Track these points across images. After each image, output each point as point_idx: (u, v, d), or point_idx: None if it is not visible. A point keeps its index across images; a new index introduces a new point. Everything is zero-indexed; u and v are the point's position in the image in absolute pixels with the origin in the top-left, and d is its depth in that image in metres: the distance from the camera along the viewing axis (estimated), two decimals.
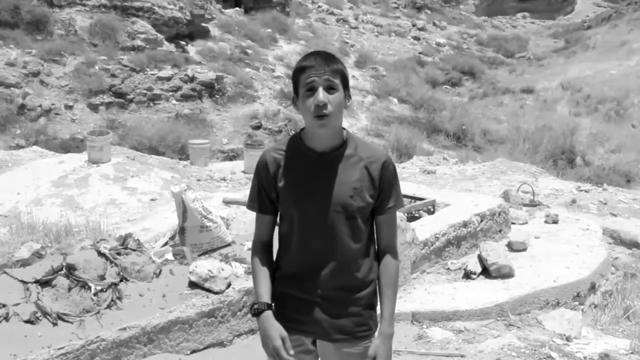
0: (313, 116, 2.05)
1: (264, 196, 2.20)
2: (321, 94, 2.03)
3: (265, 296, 2.19)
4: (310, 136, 2.14)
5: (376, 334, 2.24)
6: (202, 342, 3.85)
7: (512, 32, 45.07)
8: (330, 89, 2.05)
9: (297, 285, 2.18)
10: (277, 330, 2.14)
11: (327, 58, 2.08)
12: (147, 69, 17.57)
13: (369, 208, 2.17)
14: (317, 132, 2.11)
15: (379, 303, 2.26)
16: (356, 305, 2.19)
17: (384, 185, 2.17)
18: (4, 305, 3.46)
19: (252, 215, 4.31)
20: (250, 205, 2.26)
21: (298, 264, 2.18)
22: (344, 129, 2.18)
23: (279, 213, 2.24)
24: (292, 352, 2.14)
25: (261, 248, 2.26)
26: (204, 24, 22.83)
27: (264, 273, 2.23)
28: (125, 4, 19.79)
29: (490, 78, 31.08)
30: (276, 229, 2.30)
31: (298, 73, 2.09)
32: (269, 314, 2.16)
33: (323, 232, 2.13)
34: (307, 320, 2.18)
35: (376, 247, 2.26)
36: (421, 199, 6.29)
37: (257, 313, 2.18)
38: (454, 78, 29.88)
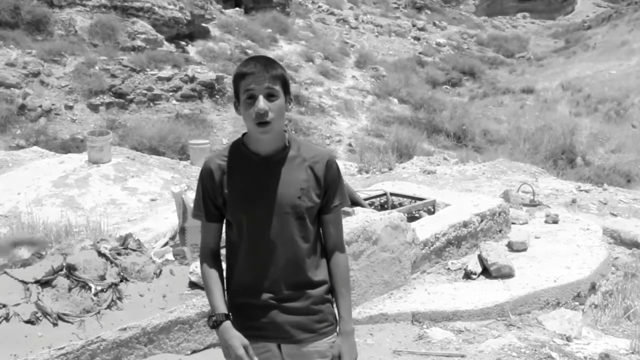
0: (254, 124, 2.06)
1: (210, 204, 2.19)
2: (261, 102, 2.03)
3: (222, 307, 2.18)
4: (253, 141, 2.15)
5: (336, 333, 2.25)
6: (202, 343, 3.85)
7: (512, 32, 45.10)
8: (270, 96, 2.05)
9: (251, 292, 2.17)
10: (238, 339, 2.13)
11: (266, 64, 2.07)
12: (147, 69, 17.59)
13: (317, 208, 2.18)
14: (259, 137, 2.12)
15: (335, 301, 2.26)
16: (313, 303, 2.19)
17: (329, 184, 2.19)
18: (4, 306, 3.46)
19: None
20: (196, 214, 2.24)
21: (250, 271, 2.17)
22: (285, 131, 2.19)
23: (224, 221, 2.23)
24: (256, 359, 2.14)
25: (210, 257, 2.25)
26: (204, 24, 22.85)
27: (216, 283, 2.22)
28: (125, 4, 19.81)
29: (490, 78, 31.11)
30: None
31: (238, 79, 2.09)
32: (228, 325, 2.16)
33: (273, 234, 2.13)
34: (268, 325, 2.18)
35: (324, 245, 2.27)
36: (421, 199, 6.28)
37: (215, 325, 2.17)
38: (454, 78, 29.91)
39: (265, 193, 2.13)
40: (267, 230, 2.13)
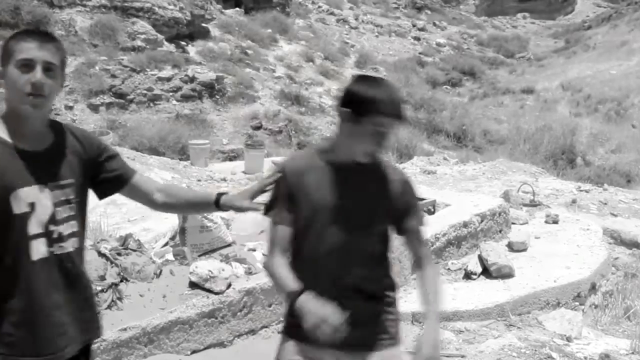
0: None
1: (282, 207, 2.14)
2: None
3: (295, 284, 2.05)
4: (338, 148, 2.13)
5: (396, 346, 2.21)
6: (202, 343, 3.85)
7: (512, 32, 45.11)
8: None
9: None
10: (320, 302, 1.97)
11: None
12: (148, 70, 17.58)
13: (390, 225, 2.17)
14: (348, 148, 2.09)
15: (421, 306, 2.23)
16: (377, 315, 2.17)
17: (405, 201, 2.17)
18: None
19: (252, 215, 4.30)
20: (267, 214, 2.19)
21: (316, 280, 2.10)
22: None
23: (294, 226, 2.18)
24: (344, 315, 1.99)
25: (278, 255, 2.16)
26: (204, 24, 22.84)
27: (285, 270, 2.12)
28: (125, 4, 19.80)
29: (490, 78, 31.12)
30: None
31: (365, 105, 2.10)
32: (307, 294, 2.01)
33: (344, 244, 2.10)
34: None
35: (411, 258, 2.28)
36: (421, 199, 6.27)
37: (294, 299, 2.02)
38: (454, 78, 29.92)
39: (338, 204, 2.09)
40: (337, 241, 2.09)
